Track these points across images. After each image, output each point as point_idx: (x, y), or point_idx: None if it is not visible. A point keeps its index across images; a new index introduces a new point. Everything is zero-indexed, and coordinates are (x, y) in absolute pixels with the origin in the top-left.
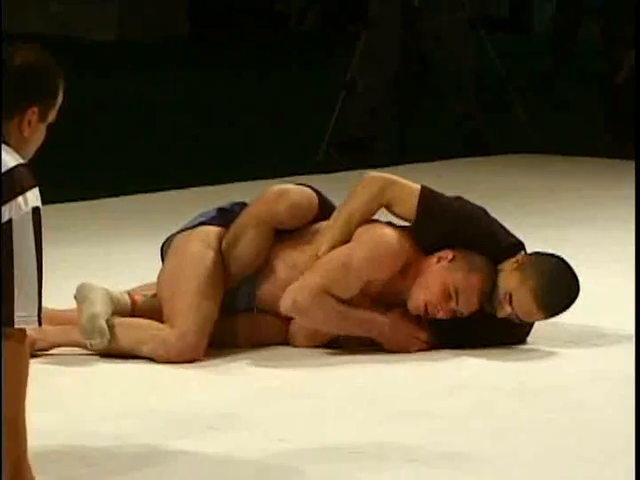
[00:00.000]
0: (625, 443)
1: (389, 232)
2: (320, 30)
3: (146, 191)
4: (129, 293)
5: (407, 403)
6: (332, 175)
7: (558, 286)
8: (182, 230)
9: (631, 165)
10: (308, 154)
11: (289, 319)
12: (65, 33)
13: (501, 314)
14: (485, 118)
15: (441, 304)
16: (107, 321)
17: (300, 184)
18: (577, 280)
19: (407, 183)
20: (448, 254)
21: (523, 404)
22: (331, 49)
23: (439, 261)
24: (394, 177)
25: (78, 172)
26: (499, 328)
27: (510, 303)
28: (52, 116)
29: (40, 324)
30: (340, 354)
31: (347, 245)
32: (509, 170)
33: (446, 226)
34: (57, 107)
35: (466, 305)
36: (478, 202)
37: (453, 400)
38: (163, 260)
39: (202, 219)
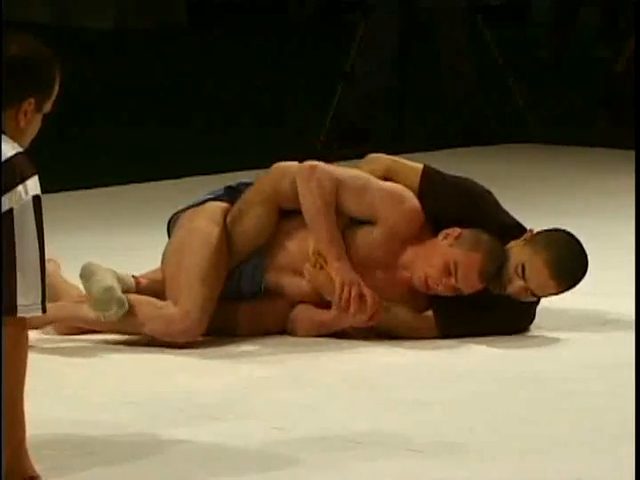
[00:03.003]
0: (625, 431)
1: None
2: (319, 18)
3: (147, 180)
4: (134, 276)
5: (407, 392)
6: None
7: (571, 256)
8: (189, 207)
9: (631, 154)
10: (307, 143)
11: (292, 304)
12: (63, 21)
13: (511, 289)
14: (484, 107)
15: (441, 279)
16: None
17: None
18: (585, 254)
19: (410, 162)
20: (455, 231)
21: (523, 392)
22: (330, 37)
23: (445, 237)
24: (396, 157)
25: (77, 161)
26: (502, 316)
27: (523, 276)
28: (48, 106)
29: (44, 311)
30: (339, 343)
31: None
32: (508, 159)
33: (449, 196)
34: (53, 97)
35: (465, 282)
36: None
37: (453, 389)
38: (170, 237)
39: (209, 196)
